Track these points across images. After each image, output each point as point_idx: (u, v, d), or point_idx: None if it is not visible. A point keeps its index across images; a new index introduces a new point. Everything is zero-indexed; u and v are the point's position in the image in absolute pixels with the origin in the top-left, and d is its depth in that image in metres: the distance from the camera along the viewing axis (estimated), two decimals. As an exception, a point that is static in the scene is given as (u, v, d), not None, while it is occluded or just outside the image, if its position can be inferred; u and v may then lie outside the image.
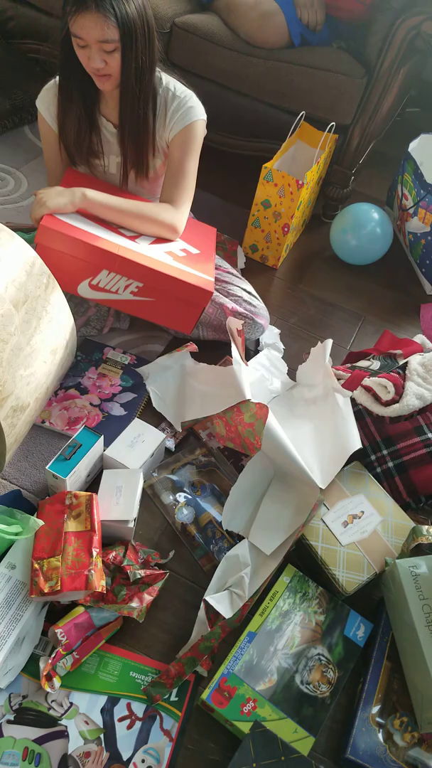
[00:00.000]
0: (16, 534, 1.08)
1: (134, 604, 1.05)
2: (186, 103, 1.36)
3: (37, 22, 2.05)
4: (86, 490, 1.24)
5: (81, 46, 1.21)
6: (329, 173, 1.97)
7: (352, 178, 1.98)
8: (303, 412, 1.33)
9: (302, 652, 1.05)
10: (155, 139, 1.39)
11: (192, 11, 1.94)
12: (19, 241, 1.11)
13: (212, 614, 1.06)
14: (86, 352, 1.50)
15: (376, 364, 1.45)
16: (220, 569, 1.12)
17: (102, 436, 1.22)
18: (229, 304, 1.50)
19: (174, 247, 1.43)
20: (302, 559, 1.19)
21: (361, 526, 1.17)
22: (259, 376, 1.47)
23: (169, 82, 1.36)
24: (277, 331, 1.66)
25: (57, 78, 1.34)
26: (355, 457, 1.26)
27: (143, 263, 1.31)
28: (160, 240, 1.42)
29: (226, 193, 2.06)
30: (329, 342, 1.41)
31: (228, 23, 1.87)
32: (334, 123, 1.77)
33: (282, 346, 1.61)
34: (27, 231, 1.69)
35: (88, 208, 1.34)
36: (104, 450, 1.25)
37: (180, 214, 1.43)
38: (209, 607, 1.07)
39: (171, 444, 1.36)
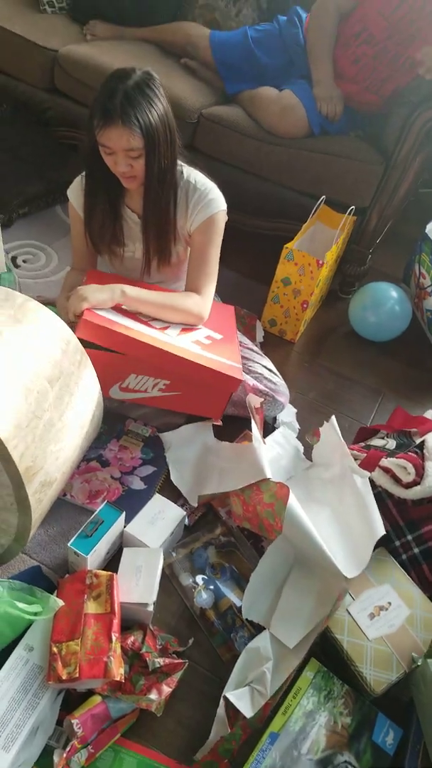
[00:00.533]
0: (36, 614, 1.06)
1: (153, 696, 1.01)
2: (207, 196, 1.41)
3: (72, 112, 2.18)
4: (106, 568, 1.22)
5: (108, 153, 1.28)
6: (347, 252, 2.03)
7: (370, 256, 2.04)
8: (321, 494, 1.31)
9: (328, 759, 0.99)
10: (176, 228, 1.44)
11: (217, 103, 2.05)
12: (56, 320, 1.14)
13: (232, 711, 1.02)
14: (108, 424, 1.51)
15: (391, 443, 1.45)
16: (241, 662, 1.08)
17: (123, 512, 1.22)
18: (250, 381, 1.51)
19: (199, 336, 1.47)
20: (326, 653, 1.14)
21: (388, 618, 1.13)
22: (275, 454, 1.47)
23: (190, 174, 1.42)
24: (294, 410, 1.67)
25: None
26: (379, 542, 1.23)
27: (175, 353, 1.33)
28: (186, 329, 1.46)
29: (246, 270, 2.13)
30: (333, 419, 1.39)
31: (251, 115, 1.97)
32: (353, 206, 1.84)
33: (297, 426, 1.61)
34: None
35: (125, 302, 1.39)
36: (125, 527, 1.24)
37: (204, 302, 1.48)
38: (229, 704, 1.02)
39: (186, 521, 1.34)
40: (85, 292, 1.33)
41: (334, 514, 1.27)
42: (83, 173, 1.43)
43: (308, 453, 1.52)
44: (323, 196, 1.85)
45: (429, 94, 1.73)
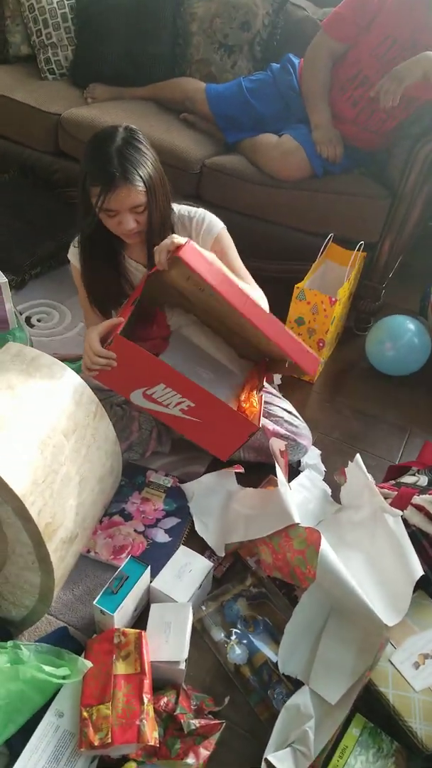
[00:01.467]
0: (64, 677, 1.02)
1: (190, 760, 0.95)
2: (204, 220, 1.42)
3: (78, 172, 2.25)
4: (134, 626, 1.18)
5: (111, 216, 1.29)
6: (360, 288, 2.02)
7: (383, 291, 2.03)
8: (353, 538, 1.26)
9: None
10: None
11: (219, 153, 2.10)
12: (68, 372, 1.14)
13: (275, 775, 0.95)
14: (129, 476, 1.48)
15: (423, 480, 1.40)
16: (281, 722, 1.02)
17: (149, 567, 1.18)
18: (270, 425, 1.49)
19: None
20: (372, 708, 1.06)
21: (435, 666, 1.06)
22: (302, 498, 1.42)
23: (179, 209, 1.43)
24: (318, 452, 1.63)
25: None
26: (417, 585, 1.17)
27: (196, 384, 1.30)
28: None
29: None
30: (358, 457, 1.36)
31: (253, 162, 2.01)
32: (362, 242, 1.84)
33: (323, 468, 1.57)
34: (73, 361, 1.75)
35: None
36: (151, 581, 1.20)
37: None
38: (271, 767, 0.96)
39: (214, 572, 1.29)
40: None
41: (368, 558, 1.21)
42: (78, 237, 1.44)
43: (336, 495, 1.47)
44: (331, 234, 1.86)
45: (431, 125, 1.75)
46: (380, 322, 1.93)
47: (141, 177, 1.24)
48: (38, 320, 2.00)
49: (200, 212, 1.44)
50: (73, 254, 1.47)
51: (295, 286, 1.75)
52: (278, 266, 2.03)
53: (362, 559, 1.20)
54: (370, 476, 1.31)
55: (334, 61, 1.90)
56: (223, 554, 1.32)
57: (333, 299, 1.71)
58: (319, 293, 1.73)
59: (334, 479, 1.44)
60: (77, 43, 2.38)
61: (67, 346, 1.88)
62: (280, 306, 1.81)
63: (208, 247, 1.42)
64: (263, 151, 1.97)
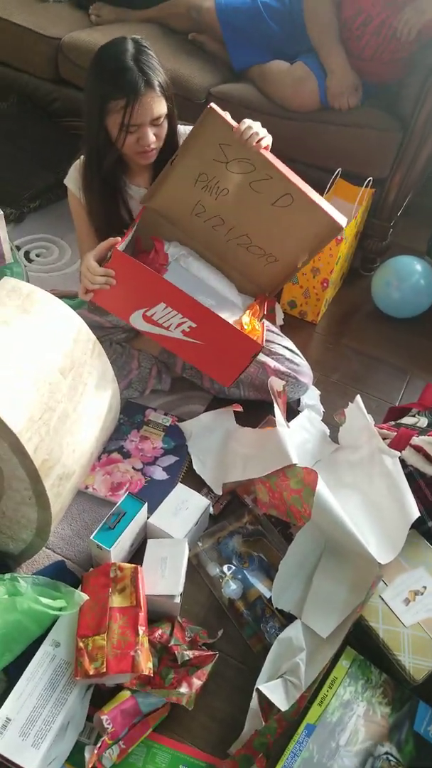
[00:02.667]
0: (61, 609, 1.04)
1: (183, 689, 0.98)
2: None
3: (79, 101, 2.14)
4: (130, 561, 1.20)
5: (132, 132, 1.23)
6: (367, 226, 1.96)
7: (391, 230, 1.97)
8: (351, 478, 1.26)
9: (368, 750, 0.95)
10: None
11: (225, 81, 1.99)
12: (65, 309, 1.12)
13: (266, 704, 0.98)
14: (128, 415, 1.48)
15: (423, 421, 1.39)
16: (273, 653, 1.04)
17: (146, 503, 1.19)
18: (271, 363, 1.47)
19: None
20: (361, 642, 1.09)
21: (425, 603, 1.08)
22: (300, 438, 1.42)
23: (180, 127, 1.38)
24: (317, 392, 1.61)
25: (83, 158, 1.37)
26: (412, 525, 1.18)
27: (200, 303, 1.27)
28: None
29: None
30: (358, 398, 1.35)
31: (261, 90, 1.91)
32: (371, 178, 1.77)
33: (322, 409, 1.56)
34: (72, 298, 1.71)
35: None
36: (148, 518, 1.21)
37: None
38: (262, 697, 0.99)
39: (211, 510, 1.31)
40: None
41: (364, 498, 1.22)
42: (78, 162, 1.39)
43: (335, 436, 1.47)
44: (339, 169, 1.79)
45: (444, 56, 1.65)
46: (386, 263, 1.88)
47: (161, 84, 1.20)
48: (37, 255, 1.95)
49: None
50: (72, 180, 1.42)
51: (301, 223, 1.69)
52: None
53: (359, 498, 1.20)
54: (369, 417, 1.30)
55: (335, 3, 1.77)
56: (220, 492, 1.33)
57: (339, 238, 1.66)
58: (325, 231, 1.68)
59: (333, 420, 1.43)
60: (80, -41, 2.23)
61: (66, 282, 1.84)
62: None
63: None
64: (274, 78, 1.87)
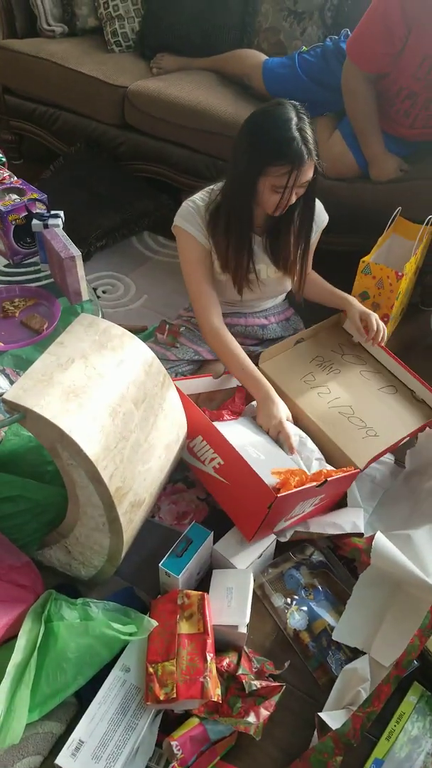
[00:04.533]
0: (131, 634, 1.07)
1: (251, 719, 0.99)
2: (320, 212, 1.51)
3: (144, 145, 2.27)
4: (196, 589, 1.22)
5: (278, 192, 1.30)
6: (426, 263, 1.96)
7: (450, 266, 1.97)
8: (427, 506, 1.27)
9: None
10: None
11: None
12: (138, 343, 1.17)
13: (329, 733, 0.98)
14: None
15: None
16: (338, 684, 1.05)
17: (212, 533, 1.21)
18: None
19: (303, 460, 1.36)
20: (429, 677, 1.08)
21: None
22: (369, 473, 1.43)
23: None
24: None
25: (198, 202, 1.43)
26: None
27: (227, 440, 1.24)
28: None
29: None
30: None
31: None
32: (430, 216, 1.79)
33: None
34: (137, 332, 1.78)
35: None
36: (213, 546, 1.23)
37: None
38: (322, 724, 0.98)
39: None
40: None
41: None
42: (191, 206, 1.44)
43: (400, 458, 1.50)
44: (398, 208, 1.82)
45: None
46: (447, 297, 1.88)
47: (316, 152, 1.28)
48: (104, 292, 2.04)
49: (317, 201, 1.47)
50: (191, 222, 1.44)
51: (361, 260, 1.72)
52: (345, 239, 2.00)
53: (430, 527, 1.21)
54: None
55: (374, 83, 1.78)
56: (286, 539, 1.29)
57: (399, 273, 1.68)
58: (385, 267, 1.70)
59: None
60: (144, 14, 2.37)
61: (131, 317, 1.92)
62: (345, 280, 1.79)
63: (314, 233, 1.51)
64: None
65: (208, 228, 1.43)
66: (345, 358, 1.58)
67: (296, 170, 1.26)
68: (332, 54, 1.94)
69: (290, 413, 1.39)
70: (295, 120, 1.25)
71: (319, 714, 1.00)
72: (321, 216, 1.53)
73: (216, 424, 1.30)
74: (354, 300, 1.58)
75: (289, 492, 1.13)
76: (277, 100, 1.31)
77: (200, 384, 1.46)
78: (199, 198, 1.45)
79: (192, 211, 1.43)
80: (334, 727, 0.97)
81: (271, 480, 1.17)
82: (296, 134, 1.24)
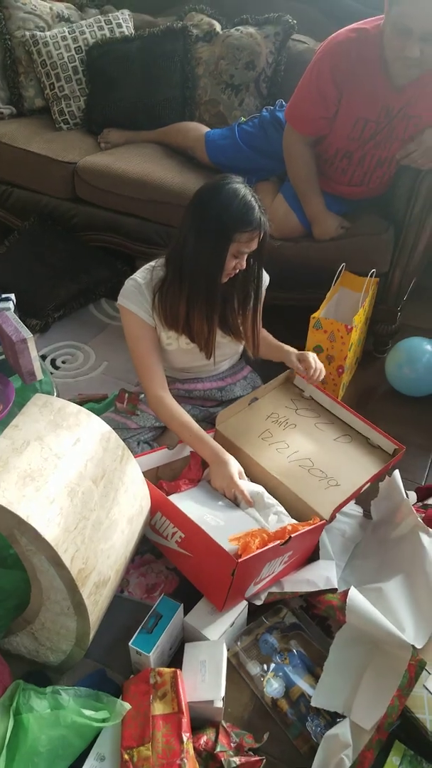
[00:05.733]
0: (104, 720, 1.04)
1: (232, 798, 0.96)
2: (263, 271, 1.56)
3: (96, 216, 2.33)
4: (170, 664, 1.20)
5: (236, 257, 1.39)
6: (375, 312, 2.04)
7: (399, 314, 2.04)
8: (392, 556, 1.28)
9: None
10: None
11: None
12: (95, 419, 1.18)
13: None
14: (159, 513, 1.51)
15: (452, 501, 1.41)
16: (320, 753, 1.03)
17: (181, 605, 1.20)
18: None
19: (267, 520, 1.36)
20: (410, 735, 1.07)
21: (472, 692, 1.07)
22: (339, 530, 1.44)
23: None
24: None
25: (140, 280, 1.47)
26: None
27: (185, 514, 1.24)
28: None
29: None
30: (397, 474, 1.40)
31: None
32: (374, 270, 1.87)
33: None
34: (98, 401, 1.79)
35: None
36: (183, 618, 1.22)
37: None
38: None
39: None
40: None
41: (406, 578, 1.25)
42: (134, 280, 1.48)
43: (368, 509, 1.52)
44: (343, 264, 1.89)
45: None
46: (398, 344, 1.95)
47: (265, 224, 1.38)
48: (63, 362, 2.06)
49: None
50: (133, 300, 1.47)
51: (311, 316, 1.78)
52: (295, 295, 2.06)
53: (400, 579, 1.23)
54: (405, 493, 1.34)
55: (313, 146, 1.88)
56: (260, 603, 1.27)
57: (349, 327, 1.74)
58: (335, 321, 1.76)
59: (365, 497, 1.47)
60: (89, 93, 2.47)
61: (92, 386, 1.94)
62: (298, 334, 1.84)
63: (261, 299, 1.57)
64: None
65: (154, 305, 1.47)
66: (299, 413, 1.62)
67: (250, 235, 1.35)
68: (269, 123, 2.05)
69: (242, 468, 1.41)
70: (247, 192, 1.36)
71: None
72: (264, 278, 1.59)
73: (173, 497, 1.31)
74: (288, 348, 1.65)
75: (251, 555, 1.14)
76: (222, 176, 1.39)
77: (156, 458, 1.47)
78: (141, 276, 1.49)
79: (134, 290, 1.48)
80: None
81: (232, 547, 1.17)
82: (253, 204, 1.34)
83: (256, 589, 1.26)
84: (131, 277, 1.50)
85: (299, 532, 1.23)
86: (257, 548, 1.16)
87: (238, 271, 1.43)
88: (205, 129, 2.22)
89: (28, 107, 2.60)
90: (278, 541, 1.19)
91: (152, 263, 1.52)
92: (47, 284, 2.28)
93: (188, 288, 1.43)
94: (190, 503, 1.32)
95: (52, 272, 2.32)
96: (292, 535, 1.21)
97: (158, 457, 1.46)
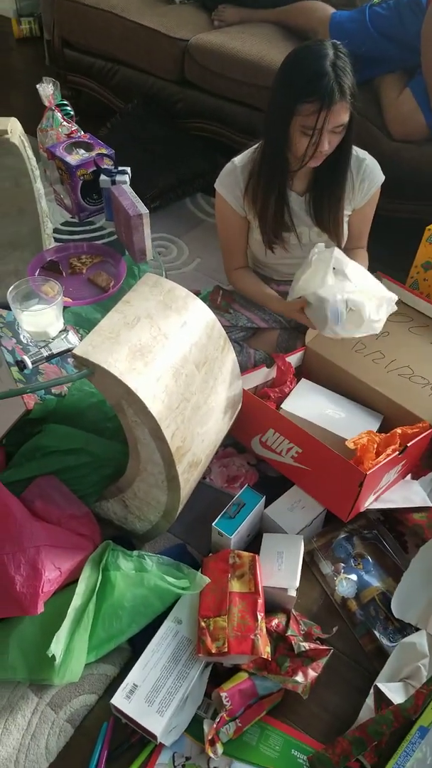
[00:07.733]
0: (184, 588, 1.10)
1: (299, 678, 1.02)
2: (375, 166, 1.42)
3: (202, 103, 2.22)
4: (246, 551, 1.24)
5: (308, 134, 1.23)
6: None
7: None
8: None
9: None
10: (344, 203, 1.43)
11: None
12: (201, 305, 1.17)
13: (383, 704, 1.00)
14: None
15: None
16: (395, 656, 1.06)
17: (264, 497, 1.23)
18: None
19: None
20: None
21: None
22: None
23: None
24: None
25: (237, 162, 1.40)
26: None
27: (303, 428, 1.24)
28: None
29: (384, 256, 2.02)
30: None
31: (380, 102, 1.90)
32: None
33: None
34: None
35: None
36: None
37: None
38: (379, 695, 1.00)
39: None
40: None
41: None
42: (232, 164, 1.41)
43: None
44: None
45: None
46: None
47: (353, 94, 1.21)
48: (158, 253, 2.04)
49: (370, 157, 1.42)
50: (225, 185, 1.43)
51: (427, 227, 1.68)
52: (410, 206, 1.94)
53: None
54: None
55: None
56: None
57: None
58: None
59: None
60: (207, -37, 2.30)
61: (183, 281, 1.87)
62: (408, 250, 1.75)
63: (366, 192, 1.43)
64: (383, 104, 1.86)
65: (246, 189, 1.40)
66: (391, 319, 1.47)
67: (326, 109, 1.18)
68: (405, 5, 1.83)
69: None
70: (331, 57, 1.18)
71: (377, 684, 1.02)
72: (375, 174, 1.43)
73: (285, 406, 1.30)
74: None
75: (378, 466, 1.14)
76: (320, 39, 1.24)
77: (256, 376, 1.44)
78: (239, 158, 1.41)
79: (229, 173, 1.42)
80: (395, 701, 0.98)
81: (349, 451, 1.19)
82: (329, 70, 1.17)
83: (372, 500, 1.27)
84: (235, 157, 1.43)
85: (413, 442, 1.22)
86: (375, 452, 1.18)
87: (316, 150, 1.26)
88: (332, 10, 2.02)
89: (143, -24, 2.44)
90: (396, 452, 1.19)
91: (256, 145, 1.42)
92: (145, 171, 2.21)
93: (264, 169, 1.35)
94: (304, 406, 1.32)
95: (152, 159, 2.25)
96: (408, 444, 1.21)
97: (257, 376, 1.44)
